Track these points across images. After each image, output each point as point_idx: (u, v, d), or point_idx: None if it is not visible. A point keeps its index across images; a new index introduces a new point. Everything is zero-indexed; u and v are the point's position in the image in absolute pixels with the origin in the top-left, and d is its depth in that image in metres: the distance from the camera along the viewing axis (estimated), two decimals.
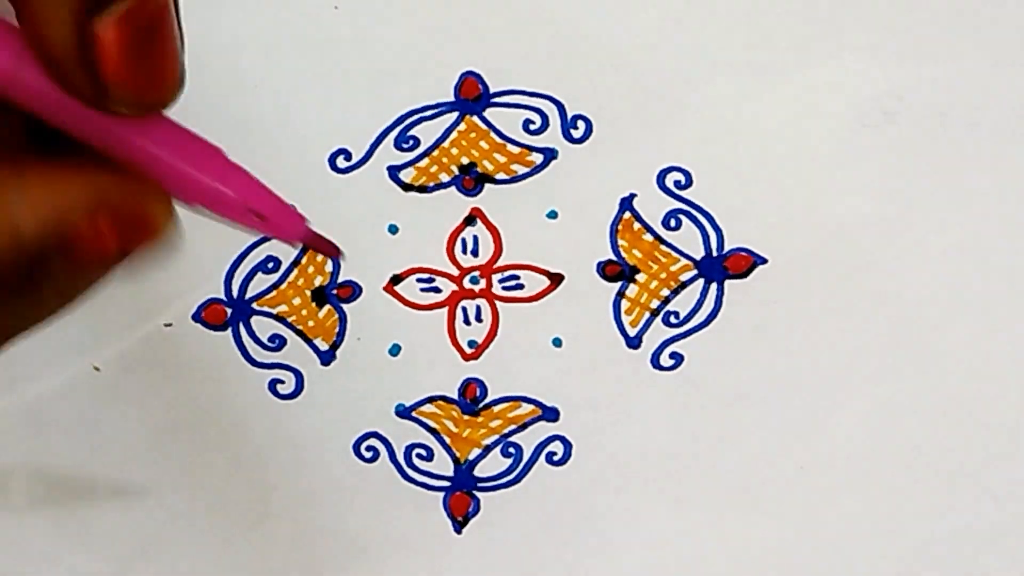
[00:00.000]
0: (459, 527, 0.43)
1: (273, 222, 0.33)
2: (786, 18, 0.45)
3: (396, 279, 0.44)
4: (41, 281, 0.27)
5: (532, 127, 0.44)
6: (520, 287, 0.44)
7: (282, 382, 0.43)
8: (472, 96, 0.44)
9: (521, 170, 0.44)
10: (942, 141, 0.44)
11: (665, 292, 0.44)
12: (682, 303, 0.44)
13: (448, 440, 0.43)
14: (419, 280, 0.44)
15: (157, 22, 0.26)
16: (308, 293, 0.44)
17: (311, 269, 0.44)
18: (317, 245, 0.35)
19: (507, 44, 0.44)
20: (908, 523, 0.42)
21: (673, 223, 0.44)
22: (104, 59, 0.25)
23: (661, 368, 0.43)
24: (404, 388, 0.43)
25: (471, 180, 0.44)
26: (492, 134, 0.44)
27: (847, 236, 0.44)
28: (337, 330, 0.44)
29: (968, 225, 0.44)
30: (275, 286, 0.44)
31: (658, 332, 0.43)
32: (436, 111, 0.44)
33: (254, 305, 0.44)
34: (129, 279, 0.30)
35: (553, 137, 0.44)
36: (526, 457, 0.43)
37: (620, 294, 0.44)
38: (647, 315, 0.44)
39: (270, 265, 0.44)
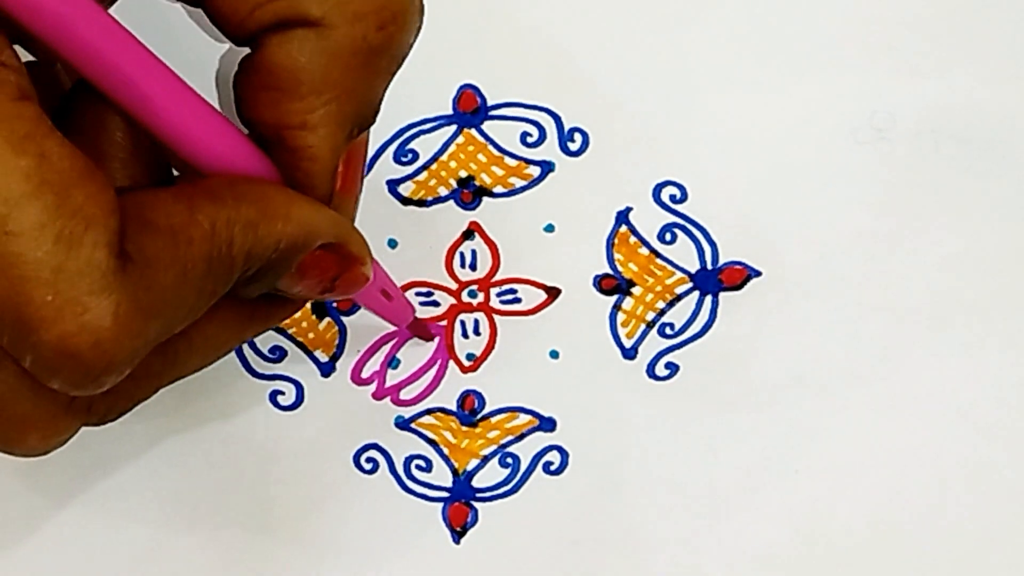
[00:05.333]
0: (458, 537, 0.43)
1: (396, 303, 0.41)
2: (779, 35, 0.45)
3: None
4: (258, 287, 0.34)
5: (529, 140, 0.45)
6: (518, 301, 0.44)
7: (282, 393, 0.44)
8: (470, 109, 0.45)
9: (518, 183, 0.45)
10: (934, 157, 0.45)
11: (660, 304, 0.44)
12: (677, 315, 0.44)
13: (447, 451, 0.43)
14: (418, 294, 0.44)
15: (360, 159, 0.36)
16: (309, 305, 0.44)
17: None
18: (419, 330, 0.43)
19: (505, 57, 0.45)
20: (903, 528, 0.43)
21: (668, 237, 0.44)
22: (337, 179, 0.34)
23: (657, 378, 0.44)
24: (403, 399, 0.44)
25: (469, 193, 0.45)
26: (490, 147, 0.45)
27: (840, 250, 0.44)
28: (337, 342, 0.44)
29: (960, 240, 0.44)
30: None
31: (654, 343, 0.44)
32: (434, 124, 0.45)
33: None
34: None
35: (550, 150, 0.45)
36: (524, 467, 0.43)
37: (616, 307, 0.44)
38: (643, 327, 0.44)
39: None
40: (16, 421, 0.33)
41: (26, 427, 0.33)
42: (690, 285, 0.44)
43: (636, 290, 0.44)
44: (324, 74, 0.32)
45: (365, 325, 0.44)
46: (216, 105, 0.33)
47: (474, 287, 0.44)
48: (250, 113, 0.33)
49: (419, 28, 0.34)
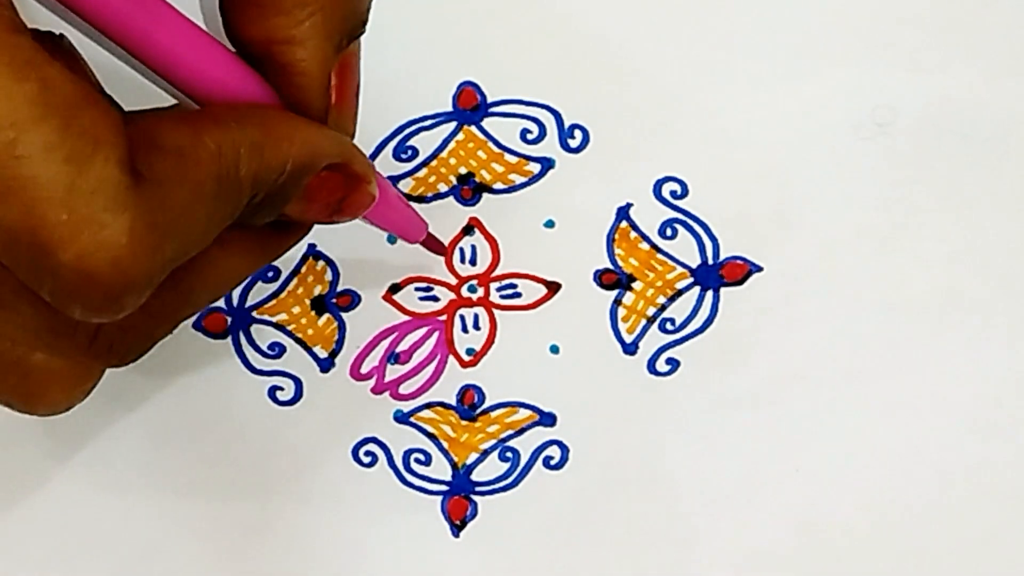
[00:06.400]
0: (457, 531, 0.43)
1: (406, 218, 0.40)
2: (780, 29, 0.45)
3: (395, 288, 0.44)
4: (269, 214, 0.33)
5: (529, 136, 0.45)
6: (518, 295, 0.44)
7: (281, 389, 0.44)
8: (470, 106, 0.45)
9: (519, 180, 0.45)
10: (935, 152, 0.45)
11: (661, 300, 0.44)
12: (678, 310, 0.44)
13: (446, 445, 0.43)
14: (417, 289, 0.44)
15: (352, 70, 0.34)
16: (307, 302, 0.44)
17: (310, 279, 0.44)
18: (432, 244, 0.43)
19: (505, 54, 0.45)
20: (903, 526, 0.43)
21: (669, 232, 0.44)
22: (331, 93, 0.33)
23: (657, 374, 0.43)
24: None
25: (469, 190, 0.45)
26: (490, 144, 0.45)
27: (841, 245, 0.44)
28: (336, 338, 0.44)
29: (962, 235, 0.44)
30: (275, 295, 0.44)
31: (654, 338, 0.44)
32: (434, 121, 0.45)
33: (254, 314, 0.44)
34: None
35: (550, 147, 0.45)
36: (523, 461, 0.43)
37: (617, 302, 0.44)
38: (643, 322, 0.44)
39: (270, 274, 0.44)
40: (35, 373, 0.32)
41: (46, 378, 0.32)
42: (691, 280, 0.44)
43: (637, 285, 0.44)
44: None
45: (364, 320, 0.44)
46: (203, 26, 0.33)
47: (474, 282, 0.44)
48: (238, 31, 0.33)
49: None
